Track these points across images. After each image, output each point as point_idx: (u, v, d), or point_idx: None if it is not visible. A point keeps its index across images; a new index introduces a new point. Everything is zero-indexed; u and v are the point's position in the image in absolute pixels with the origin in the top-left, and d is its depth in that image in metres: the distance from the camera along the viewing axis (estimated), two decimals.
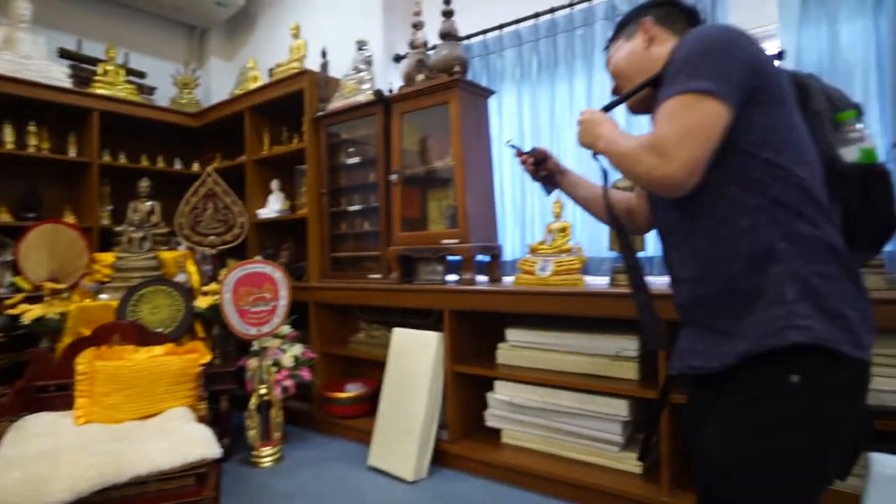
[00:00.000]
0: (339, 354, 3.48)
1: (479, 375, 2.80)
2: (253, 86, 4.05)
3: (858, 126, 0.98)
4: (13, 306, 2.77)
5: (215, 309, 2.95)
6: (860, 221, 1.00)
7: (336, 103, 3.48)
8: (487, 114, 3.17)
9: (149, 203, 3.36)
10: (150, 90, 4.50)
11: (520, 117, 3.23)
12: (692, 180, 0.93)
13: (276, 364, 3.05)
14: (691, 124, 0.91)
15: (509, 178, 3.27)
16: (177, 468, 2.05)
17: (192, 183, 3.37)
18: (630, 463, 2.40)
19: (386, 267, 3.21)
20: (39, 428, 2.25)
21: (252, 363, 3.03)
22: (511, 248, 3.25)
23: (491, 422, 2.81)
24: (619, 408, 2.37)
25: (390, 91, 3.20)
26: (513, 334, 2.76)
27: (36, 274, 2.96)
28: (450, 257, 3.04)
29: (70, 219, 3.75)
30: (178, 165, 4.43)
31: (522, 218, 3.20)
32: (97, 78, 4.05)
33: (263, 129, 4.01)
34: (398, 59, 3.74)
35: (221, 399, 2.94)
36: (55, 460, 1.96)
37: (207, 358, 2.67)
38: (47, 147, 3.75)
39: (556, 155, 1.33)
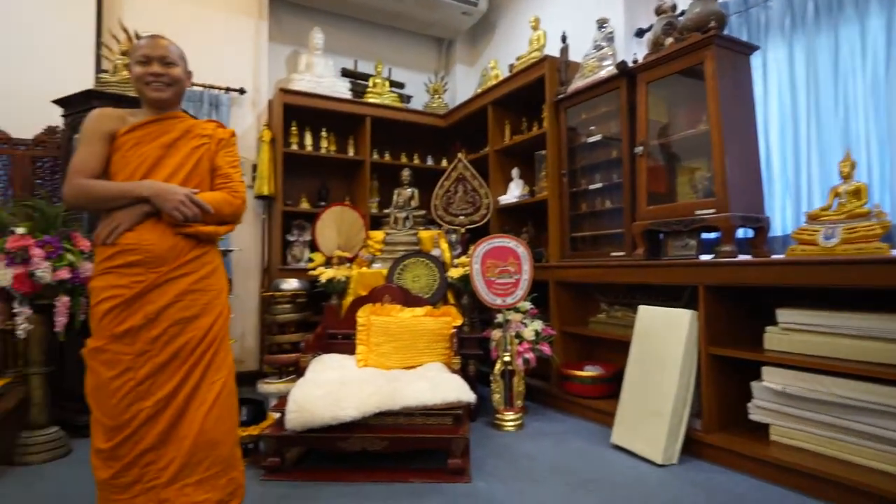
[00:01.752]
0: (578, 334, 3.46)
1: (741, 360, 2.49)
2: (494, 83, 4.32)
3: None
4: (314, 270, 3.42)
5: (465, 279, 3.20)
6: None
7: (576, 84, 3.50)
8: (749, 72, 2.84)
9: (409, 189, 3.82)
10: (408, 98, 5.13)
11: (791, 73, 2.82)
12: None
13: (518, 336, 3.16)
14: None
15: (777, 142, 2.87)
16: (437, 405, 2.27)
17: (441, 176, 3.74)
18: None
19: (630, 244, 3.09)
20: (332, 363, 2.72)
21: (496, 334, 3.19)
22: (780, 221, 2.84)
23: (755, 415, 2.47)
24: None
25: (635, 61, 3.09)
26: (785, 315, 2.39)
27: (327, 247, 3.60)
28: (704, 235, 2.79)
29: None
30: (429, 161, 4.95)
31: (796, 186, 2.77)
32: (368, 90, 4.77)
33: (504, 121, 4.24)
34: (640, 33, 3.60)
35: (469, 363, 3.17)
36: (345, 387, 2.34)
37: (459, 321, 2.92)
38: (334, 149, 4.56)
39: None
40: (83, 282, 2.53)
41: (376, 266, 3.46)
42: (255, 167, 4.28)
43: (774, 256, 2.69)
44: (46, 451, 2.56)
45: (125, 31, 3.31)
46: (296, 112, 4.34)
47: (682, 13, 2.99)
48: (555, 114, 3.65)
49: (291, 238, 4.37)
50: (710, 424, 2.55)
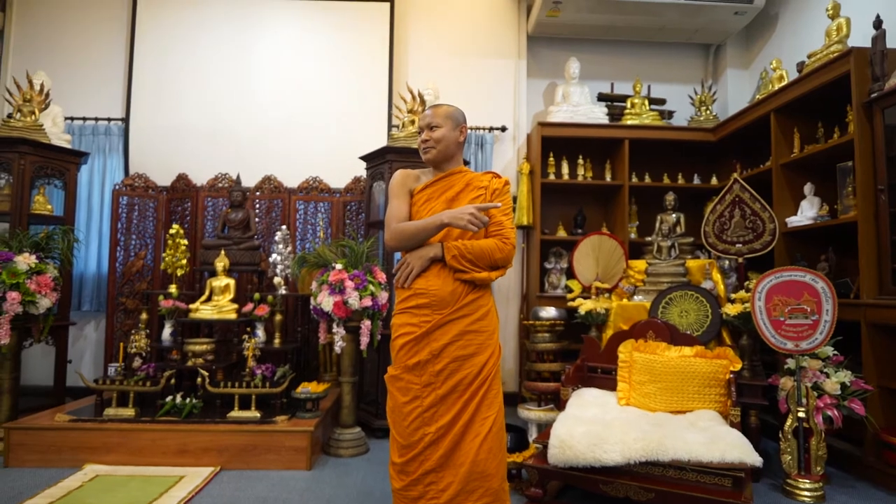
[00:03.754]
0: None
1: None
2: (778, 86, 3.75)
3: None
4: (573, 301, 3.43)
5: (745, 317, 2.81)
6: None
7: None
8: None
9: (674, 215, 3.56)
10: (670, 114, 4.80)
11: None
12: None
13: (817, 388, 2.64)
14: None
15: None
16: (714, 464, 2.03)
17: (711, 197, 3.37)
18: None
19: None
20: (592, 399, 2.67)
21: (785, 382, 2.72)
22: None
23: None
24: None
25: None
26: None
27: (585, 276, 3.57)
28: None
29: None
30: (696, 181, 4.53)
31: None
32: (626, 111, 4.62)
33: (793, 129, 3.64)
34: None
35: (750, 413, 2.77)
36: (608, 427, 2.26)
37: (738, 366, 2.57)
38: (590, 175, 4.53)
39: None
40: (381, 308, 3.01)
41: (638, 298, 3.29)
42: (514, 199, 4.52)
43: None
44: (352, 447, 3.08)
45: (410, 91, 3.86)
46: (553, 142, 4.45)
47: None
48: (866, 116, 2.98)
49: (549, 265, 4.46)
50: None
